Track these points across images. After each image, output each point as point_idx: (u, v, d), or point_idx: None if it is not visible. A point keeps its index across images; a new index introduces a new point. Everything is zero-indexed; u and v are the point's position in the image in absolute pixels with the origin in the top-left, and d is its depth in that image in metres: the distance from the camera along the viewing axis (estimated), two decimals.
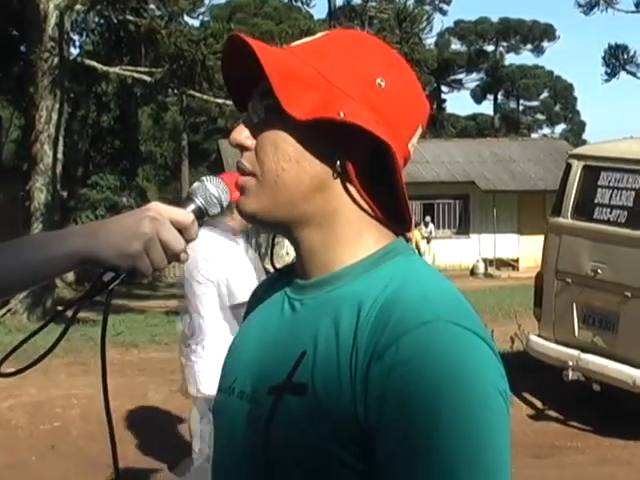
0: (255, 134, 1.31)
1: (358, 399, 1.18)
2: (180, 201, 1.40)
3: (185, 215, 1.36)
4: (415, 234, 26.79)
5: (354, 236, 1.31)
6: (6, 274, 1.39)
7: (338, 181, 1.29)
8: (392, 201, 1.31)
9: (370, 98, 1.28)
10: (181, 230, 1.35)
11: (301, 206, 1.30)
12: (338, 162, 1.27)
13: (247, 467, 1.29)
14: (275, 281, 1.46)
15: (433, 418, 1.13)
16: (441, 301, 1.22)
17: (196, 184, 1.41)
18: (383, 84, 1.29)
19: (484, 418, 1.15)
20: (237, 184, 1.33)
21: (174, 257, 1.36)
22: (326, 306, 1.28)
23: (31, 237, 1.52)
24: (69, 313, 1.42)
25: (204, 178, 1.43)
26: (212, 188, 1.40)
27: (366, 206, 1.30)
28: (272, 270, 1.52)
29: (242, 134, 1.32)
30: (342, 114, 1.24)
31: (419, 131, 1.34)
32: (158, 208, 1.36)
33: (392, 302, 1.22)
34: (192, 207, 1.38)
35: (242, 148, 1.32)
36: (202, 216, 1.39)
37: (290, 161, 1.28)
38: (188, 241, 1.36)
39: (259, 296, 1.48)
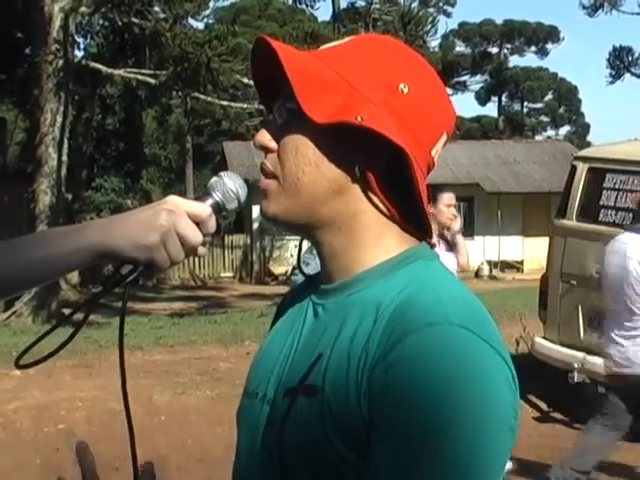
0: (278, 136, 1.31)
1: (362, 399, 1.18)
2: (197, 196, 1.40)
3: (202, 208, 1.36)
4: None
5: (374, 239, 1.31)
6: (23, 268, 1.38)
7: (357, 185, 1.29)
8: (413, 206, 1.30)
9: (392, 104, 1.28)
10: (198, 224, 1.35)
11: (321, 209, 1.30)
12: (357, 166, 1.28)
13: (264, 468, 1.30)
14: (302, 289, 1.46)
15: (426, 417, 1.12)
16: (454, 305, 1.21)
17: (214, 179, 1.41)
18: (406, 90, 1.29)
19: (477, 428, 1.13)
20: (261, 188, 1.33)
21: (191, 251, 1.35)
22: (346, 309, 1.29)
23: (47, 231, 1.51)
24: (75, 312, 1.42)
25: (222, 173, 1.42)
26: (230, 183, 1.40)
27: (385, 210, 1.30)
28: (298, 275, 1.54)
29: (266, 136, 1.32)
30: (360, 118, 1.24)
31: (444, 138, 1.34)
32: (175, 201, 1.35)
33: (405, 306, 1.21)
34: (210, 201, 1.38)
35: (266, 150, 1.32)
36: (219, 211, 1.38)
37: (310, 164, 1.28)
38: (205, 235, 1.36)
39: (286, 304, 1.49)
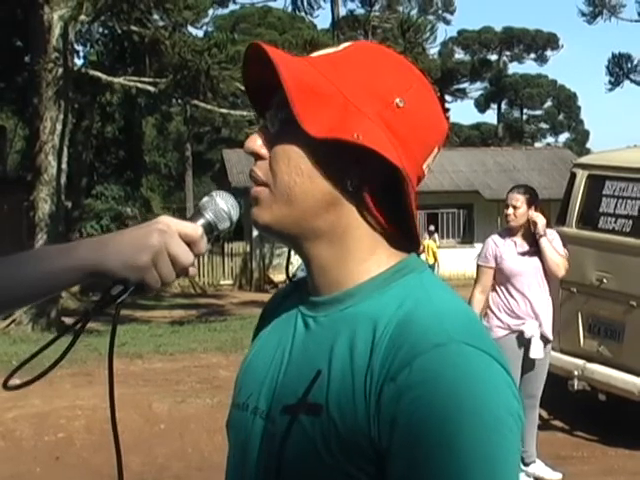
0: (270, 144, 1.30)
1: (372, 420, 1.17)
2: (190, 216, 1.40)
3: (194, 229, 1.35)
4: (431, 244, 26.77)
5: (365, 253, 1.30)
6: (13, 286, 1.38)
7: (351, 198, 1.28)
8: (404, 219, 1.30)
9: (387, 118, 1.26)
10: (190, 244, 1.34)
11: (312, 221, 1.29)
12: (350, 181, 1.27)
13: None
14: (288, 295, 1.45)
15: (443, 443, 1.12)
16: (454, 321, 1.21)
17: (206, 199, 1.40)
18: (401, 104, 1.28)
19: (495, 442, 1.14)
20: (251, 195, 1.32)
21: (182, 271, 1.34)
22: (340, 324, 1.28)
23: (38, 250, 1.50)
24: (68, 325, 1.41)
25: (214, 193, 1.41)
26: (222, 203, 1.39)
27: (377, 224, 1.29)
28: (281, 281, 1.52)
29: (257, 142, 1.31)
30: (357, 136, 1.23)
31: (435, 151, 1.33)
32: (167, 221, 1.35)
33: (405, 323, 1.21)
34: (201, 221, 1.37)
35: (256, 156, 1.31)
36: (211, 231, 1.38)
37: (302, 175, 1.27)
38: (197, 255, 1.35)
39: (271, 310, 1.48)
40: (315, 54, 1.34)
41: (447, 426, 1.12)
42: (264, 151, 1.30)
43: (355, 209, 1.28)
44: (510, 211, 6.25)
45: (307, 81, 1.25)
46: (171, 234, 1.32)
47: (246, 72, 1.36)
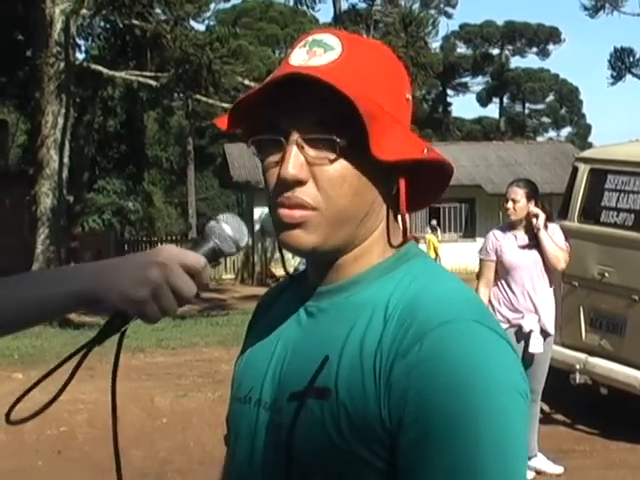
0: (313, 167, 1.25)
1: (382, 400, 1.18)
2: (195, 241, 1.37)
3: (197, 260, 1.32)
4: (432, 239, 26.77)
5: (374, 245, 1.33)
6: (9, 312, 1.37)
7: (390, 200, 1.31)
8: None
9: (402, 115, 1.31)
10: (192, 275, 1.32)
11: (358, 231, 1.30)
12: (394, 185, 1.30)
13: (267, 474, 1.29)
14: (284, 289, 1.45)
15: (453, 416, 1.13)
16: (462, 301, 1.24)
17: (212, 223, 1.38)
18: (410, 98, 1.34)
19: (504, 417, 1.16)
20: (287, 219, 1.27)
21: (186, 301, 1.32)
22: (345, 311, 1.29)
23: (37, 273, 1.50)
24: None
25: (220, 216, 1.39)
26: (227, 228, 1.37)
27: (401, 217, 1.32)
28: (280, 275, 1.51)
29: (298, 168, 1.25)
30: (426, 150, 1.27)
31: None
32: (168, 253, 1.32)
33: (414, 304, 1.22)
34: (205, 249, 1.35)
35: (298, 183, 1.25)
36: (217, 257, 1.36)
37: (356, 194, 1.27)
38: (199, 286, 1.33)
39: (267, 305, 1.48)
40: (323, 62, 1.27)
41: (457, 399, 1.14)
42: (305, 176, 1.25)
43: (386, 209, 1.32)
44: (510, 205, 6.29)
45: (371, 109, 1.23)
46: (172, 267, 1.30)
47: (264, 92, 1.27)
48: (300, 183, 1.25)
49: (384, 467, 1.19)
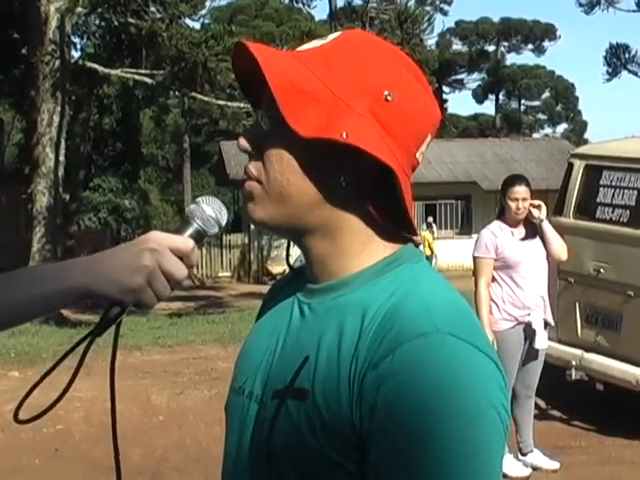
0: (263, 141, 1.29)
1: (354, 406, 1.18)
2: (178, 225, 1.40)
3: (185, 242, 1.36)
4: (427, 236, 26.73)
5: (360, 246, 1.30)
6: (3, 310, 1.37)
7: (344, 194, 1.28)
8: (398, 210, 1.29)
9: (377, 112, 1.26)
10: (182, 257, 1.35)
11: (306, 217, 1.29)
12: (343, 177, 1.26)
13: (252, 466, 1.30)
14: (288, 282, 1.46)
15: (420, 431, 1.12)
16: (442, 312, 1.21)
17: (192, 206, 1.41)
18: (390, 97, 1.26)
19: (474, 433, 1.14)
20: (243, 190, 1.33)
21: (178, 285, 1.37)
22: (331, 312, 1.28)
23: (28, 270, 1.50)
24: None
25: (199, 199, 1.43)
26: (208, 209, 1.40)
27: (371, 218, 1.29)
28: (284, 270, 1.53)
29: (249, 141, 1.31)
30: (345, 135, 1.22)
31: (428, 139, 1.32)
32: (157, 238, 1.36)
33: (393, 313, 1.21)
34: (190, 231, 1.39)
35: (249, 154, 1.31)
36: (201, 238, 1.40)
37: (295, 174, 1.27)
38: (189, 267, 1.36)
39: (272, 297, 1.48)
40: (305, 46, 1.32)
41: (424, 414, 1.12)
42: (256, 149, 1.30)
43: (349, 204, 1.28)
44: (521, 205, 6.21)
45: (294, 79, 1.24)
46: (162, 252, 1.33)
47: (236, 68, 1.35)
48: (251, 156, 1.31)
49: (356, 470, 1.19)
